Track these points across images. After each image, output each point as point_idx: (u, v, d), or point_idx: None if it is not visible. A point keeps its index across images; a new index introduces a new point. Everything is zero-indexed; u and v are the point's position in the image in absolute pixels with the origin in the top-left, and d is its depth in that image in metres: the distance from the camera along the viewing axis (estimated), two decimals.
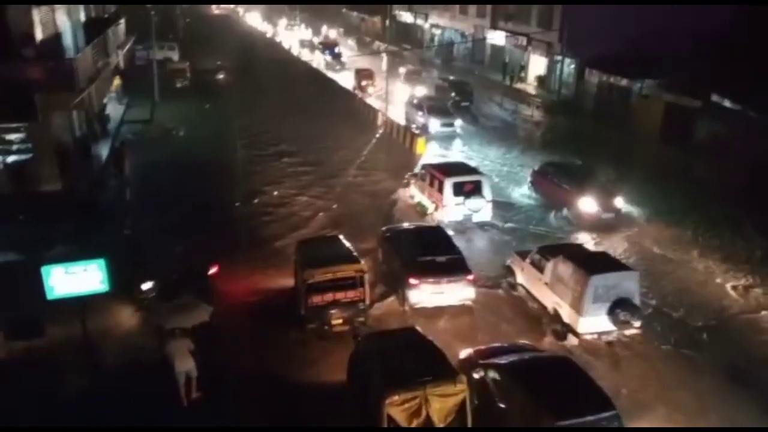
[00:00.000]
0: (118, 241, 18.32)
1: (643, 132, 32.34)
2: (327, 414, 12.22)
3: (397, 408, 10.29)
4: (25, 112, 20.29)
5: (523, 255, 16.94)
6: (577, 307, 14.26)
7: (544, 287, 15.57)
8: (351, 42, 71.46)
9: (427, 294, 15.50)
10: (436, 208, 21.33)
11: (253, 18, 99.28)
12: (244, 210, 22.59)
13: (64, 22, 25.47)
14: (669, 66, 32.74)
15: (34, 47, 21.19)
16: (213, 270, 15.92)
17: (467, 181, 21.19)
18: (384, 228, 19.06)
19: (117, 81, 36.30)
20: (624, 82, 35.93)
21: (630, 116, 34.55)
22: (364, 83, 42.88)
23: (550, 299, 15.35)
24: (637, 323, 14.32)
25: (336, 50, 56.63)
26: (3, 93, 19.34)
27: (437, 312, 15.69)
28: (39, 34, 21.84)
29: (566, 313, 14.64)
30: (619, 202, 22.16)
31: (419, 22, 66.31)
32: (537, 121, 38.38)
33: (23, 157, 21.27)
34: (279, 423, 12.16)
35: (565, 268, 14.85)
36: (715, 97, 29.39)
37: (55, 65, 21.24)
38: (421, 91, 39.57)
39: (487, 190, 21.23)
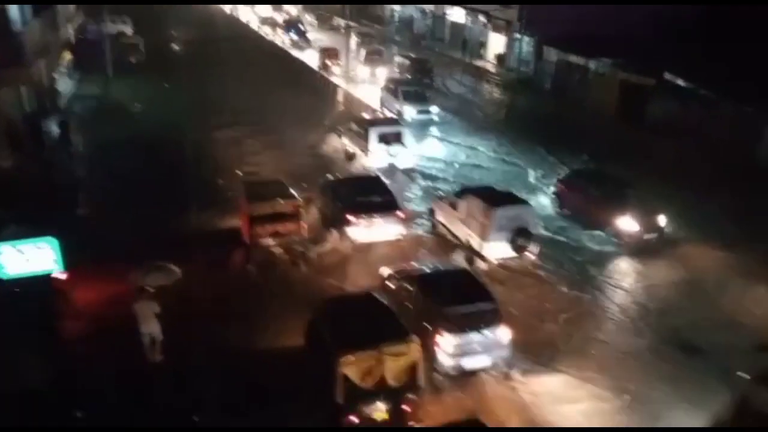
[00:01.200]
0: (72, 221, 17.90)
1: (599, 110, 32.96)
2: (286, 378, 12.34)
3: (351, 367, 10.85)
4: None
5: (442, 199, 19.89)
6: (484, 235, 16.94)
7: (459, 222, 18.21)
8: (310, 18, 70.42)
9: (363, 230, 17.80)
10: (364, 155, 24.16)
11: None
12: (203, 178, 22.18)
13: None
14: (625, 45, 33.31)
15: None
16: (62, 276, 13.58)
17: (390, 132, 24.28)
18: (327, 177, 21.05)
19: (67, 55, 35.09)
20: (581, 60, 36.44)
21: (587, 94, 35.13)
22: (328, 62, 42.28)
23: (463, 231, 18.04)
24: (535, 249, 17.33)
25: (301, 28, 55.21)
26: None
27: (373, 246, 17.87)
28: None
29: (476, 242, 17.38)
30: (662, 220, 19.38)
31: None
32: (499, 100, 38.71)
33: None
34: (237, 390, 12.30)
35: (474, 205, 17.50)
36: (668, 76, 30.12)
37: (1, 39, 20.45)
38: (383, 71, 39.46)
39: (408, 139, 24.35)
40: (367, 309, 12.53)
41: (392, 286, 14.61)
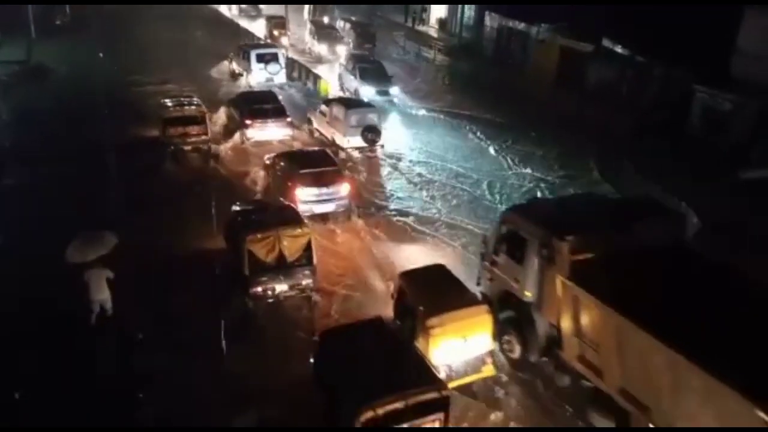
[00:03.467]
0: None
1: (540, 76, 33.28)
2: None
3: (255, 245, 13.33)
4: None
5: (315, 108, 24.61)
6: (342, 131, 21.99)
7: (327, 125, 23.13)
8: None
9: (258, 131, 22.59)
10: (247, 73, 30.05)
11: None
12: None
13: None
14: (565, 11, 33.59)
15: None
16: None
17: (267, 53, 30.20)
18: (232, 96, 25.58)
19: None
20: (522, 26, 36.60)
21: (529, 60, 35.41)
22: (276, 32, 39.16)
23: (329, 131, 23.00)
24: (380, 141, 22.55)
25: None
26: None
27: (266, 143, 22.31)
28: None
29: (338, 138, 22.39)
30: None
31: None
32: (441, 66, 38.55)
33: None
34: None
35: (336, 110, 22.63)
36: (606, 42, 30.60)
37: None
38: (340, 48, 37.35)
39: (281, 60, 30.18)
40: (270, 208, 15.56)
41: (269, 163, 19.38)
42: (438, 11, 45.73)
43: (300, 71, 32.15)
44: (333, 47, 37.18)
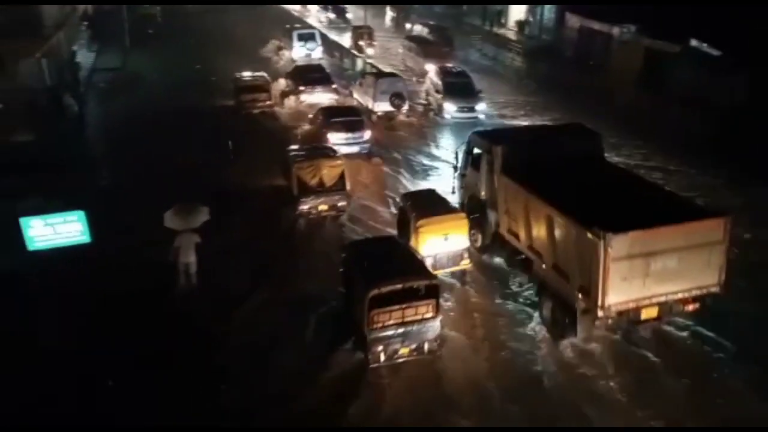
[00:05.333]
0: (95, 192, 18.04)
1: (622, 77, 32.30)
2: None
3: (302, 171, 17.30)
4: None
5: (355, 80, 29.41)
6: (374, 97, 25.89)
7: (362, 93, 27.30)
8: None
9: (309, 95, 27.28)
10: (290, 50, 36.18)
11: None
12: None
13: None
14: (649, 10, 32.50)
15: None
16: None
17: (305, 33, 36.67)
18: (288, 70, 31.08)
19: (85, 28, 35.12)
20: (605, 27, 35.64)
21: (610, 61, 34.44)
22: (361, 42, 38.07)
23: (363, 99, 27.08)
24: (405, 106, 26.15)
25: (340, 6, 49.59)
26: None
27: (315, 105, 25.79)
28: None
29: (369, 103, 26.24)
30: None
31: None
32: (520, 68, 38.09)
33: None
34: None
35: (369, 80, 26.95)
36: (694, 42, 29.38)
37: (19, 10, 20.41)
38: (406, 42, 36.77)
39: (317, 39, 36.49)
40: (313, 148, 19.51)
41: (311, 116, 24.28)
42: (517, 14, 45.17)
43: (341, 51, 37.61)
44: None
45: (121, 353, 11.82)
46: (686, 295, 12.15)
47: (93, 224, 13.23)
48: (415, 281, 11.79)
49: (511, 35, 44.44)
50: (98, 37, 36.94)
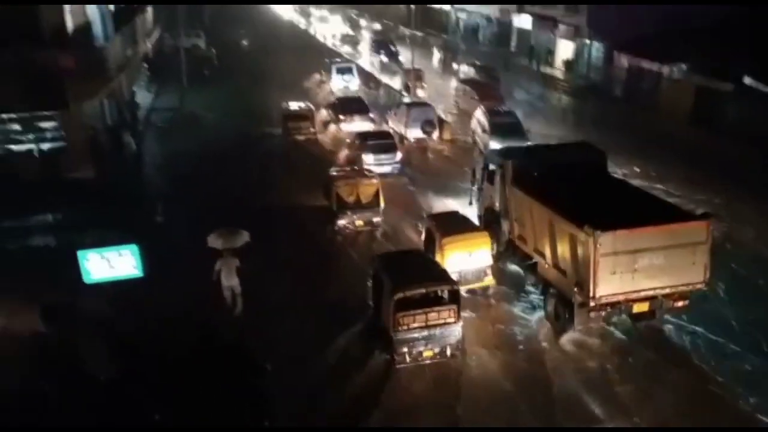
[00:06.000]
0: (151, 227, 18.69)
1: (673, 116, 31.80)
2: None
3: (342, 188, 19.29)
4: (57, 101, 20.66)
5: (390, 109, 31.69)
6: (406, 124, 28.40)
7: (396, 121, 29.57)
8: (377, 26, 71.26)
9: (348, 124, 29.57)
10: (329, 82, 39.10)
11: (281, 6, 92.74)
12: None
13: (94, 11, 25.83)
14: (699, 47, 32.08)
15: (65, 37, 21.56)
16: None
17: (344, 66, 39.76)
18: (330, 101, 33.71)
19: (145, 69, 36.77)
20: (654, 66, 35.28)
21: (660, 100, 33.99)
22: (412, 84, 38.05)
23: (397, 126, 29.15)
24: (436, 132, 28.60)
25: (392, 48, 49.35)
26: (36, 81, 19.75)
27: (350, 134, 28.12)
28: (70, 24, 22.18)
29: (402, 130, 28.59)
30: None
31: (445, 7, 65.63)
32: (566, 107, 37.94)
33: (56, 144, 21.68)
34: None
35: (402, 109, 29.76)
36: (748, 80, 28.76)
37: (86, 54, 21.55)
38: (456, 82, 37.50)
39: (354, 72, 39.16)
40: (352, 169, 21.92)
41: (349, 141, 27.04)
42: (564, 53, 45.21)
43: (376, 83, 40.38)
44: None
45: (167, 385, 12.06)
46: (673, 290, 13.64)
47: (146, 258, 13.67)
48: (437, 286, 13.02)
49: (559, 74, 44.42)
50: (157, 79, 38.63)
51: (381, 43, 51.43)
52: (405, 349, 12.61)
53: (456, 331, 12.87)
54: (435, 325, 12.68)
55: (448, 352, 12.93)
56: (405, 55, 48.45)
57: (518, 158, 17.05)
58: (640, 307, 13.77)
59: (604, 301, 13.25)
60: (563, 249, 13.97)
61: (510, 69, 46.61)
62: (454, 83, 38.77)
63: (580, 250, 13.25)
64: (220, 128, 31.28)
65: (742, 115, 28.34)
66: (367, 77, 41.19)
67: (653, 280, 13.36)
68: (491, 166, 17.94)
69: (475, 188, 19.38)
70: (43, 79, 19.78)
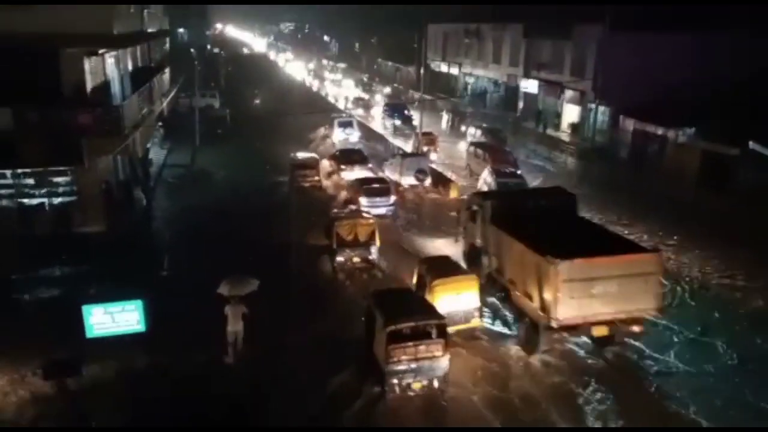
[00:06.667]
0: (156, 282, 18.75)
1: (679, 179, 31.98)
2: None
3: (341, 228, 20.68)
4: (71, 156, 21.12)
5: (386, 160, 34.90)
6: (401, 173, 30.91)
7: (392, 170, 32.08)
8: (388, 90, 72.92)
9: (349, 173, 31.42)
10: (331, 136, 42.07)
11: (295, 67, 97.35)
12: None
13: (113, 70, 26.69)
14: (704, 113, 32.57)
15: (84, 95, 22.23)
16: None
17: (345, 121, 43.31)
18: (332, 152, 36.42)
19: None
20: (660, 129, 35.75)
21: (666, 164, 34.27)
22: (426, 148, 38.13)
23: (393, 174, 31.61)
24: (428, 180, 30.90)
25: (406, 113, 49.04)
26: (52, 138, 20.25)
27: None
28: (89, 82, 22.88)
29: (398, 178, 30.94)
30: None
31: (453, 71, 67.28)
32: (572, 169, 38.28)
33: (68, 199, 22.04)
34: None
35: (396, 159, 32.63)
36: (753, 145, 29.05)
37: (103, 112, 22.13)
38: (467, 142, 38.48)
39: (355, 125, 42.60)
40: (351, 211, 23.81)
41: (349, 186, 28.95)
42: (570, 116, 45.98)
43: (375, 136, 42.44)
44: None
45: None
46: (627, 315, 15.10)
47: (150, 312, 13.69)
48: (427, 320, 13.88)
49: (565, 137, 45.03)
50: (171, 136, 39.48)
51: (395, 107, 51.43)
52: (395, 381, 13.40)
53: (443, 365, 13.64)
54: (424, 358, 13.48)
55: (436, 384, 13.65)
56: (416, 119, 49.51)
57: (496, 199, 19.45)
58: (599, 331, 15.22)
59: (565, 323, 14.68)
60: (531, 278, 15.42)
61: (518, 132, 47.37)
62: (462, 145, 39.45)
63: (544, 277, 14.74)
64: (231, 183, 31.85)
65: (746, 178, 28.50)
66: (368, 131, 44.55)
67: (609, 305, 14.83)
68: (473, 207, 19.86)
69: (460, 228, 21.37)
70: (61, 135, 20.29)
